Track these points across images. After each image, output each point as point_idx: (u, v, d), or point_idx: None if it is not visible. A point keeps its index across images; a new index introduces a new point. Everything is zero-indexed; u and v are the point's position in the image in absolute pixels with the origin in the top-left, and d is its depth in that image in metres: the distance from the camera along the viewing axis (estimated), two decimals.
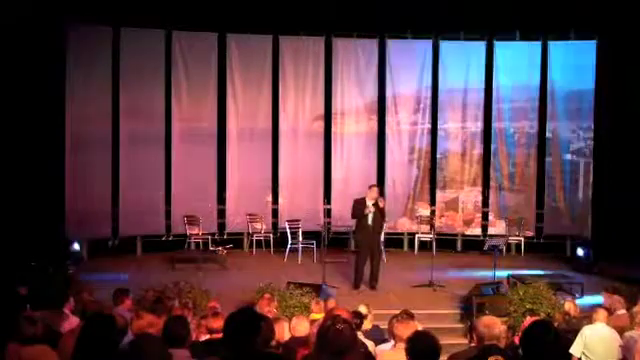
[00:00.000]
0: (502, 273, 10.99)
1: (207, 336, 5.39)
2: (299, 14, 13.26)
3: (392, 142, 14.47)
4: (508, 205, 14.35)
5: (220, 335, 4.92)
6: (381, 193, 13.87)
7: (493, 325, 4.22)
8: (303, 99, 14.28)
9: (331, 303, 7.92)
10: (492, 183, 14.41)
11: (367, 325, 7.36)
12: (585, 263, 12.50)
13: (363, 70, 14.36)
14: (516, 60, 14.19)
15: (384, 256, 12.75)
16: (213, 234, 13.69)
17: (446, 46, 14.26)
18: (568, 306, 8.02)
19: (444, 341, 4.36)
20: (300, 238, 13.31)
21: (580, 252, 12.80)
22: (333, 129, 14.40)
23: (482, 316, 5.23)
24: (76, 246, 12.17)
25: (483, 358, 4.06)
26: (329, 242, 12.02)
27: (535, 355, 3.89)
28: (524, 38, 13.90)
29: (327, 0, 12.88)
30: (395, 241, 14.17)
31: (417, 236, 14.10)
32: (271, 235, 13.88)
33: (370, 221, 10.71)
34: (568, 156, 14.22)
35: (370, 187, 11.06)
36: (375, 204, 10.72)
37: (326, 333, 3.75)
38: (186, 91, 13.74)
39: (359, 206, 10.77)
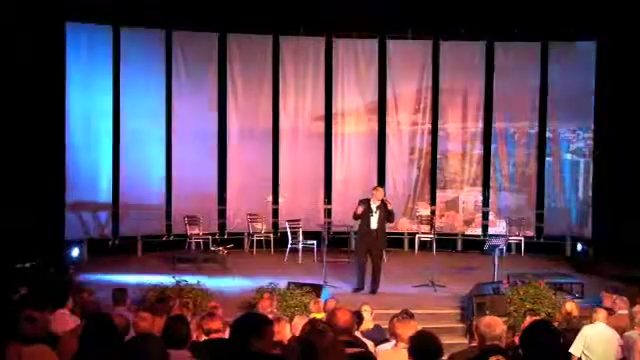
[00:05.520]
0: (502, 273, 10.98)
1: (205, 337, 5.38)
2: (299, 14, 13.26)
3: (392, 142, 14.48)
4: (508, 205, 14.36)
5: (217, 335, 4.94)
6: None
7: (494, 325, 4.22)
8: (303, 99, 14.29)
9: (331, 303, 7.91)
10: (492, 183, 14.42)
11: (368, 325, 7.35)
12: (584, 260, 12.51)
13: (363, 70, 14.36)
14: (516, 60, 14.19)
15: (384, 257, 12.74)
16: (214, 234, 13.70)
17: (446, 46, 14.26)
18: (569, 306, 8.00)
19: (444, 341, 4.37)
20: (300, 238, 13.30)
21: (579, 247, 12.80)
22: (333, 129, 14.41)
23: (483, 316, 5.22)
24: (75, 251, 12.13)
25: (484, 358, 4.06)
26: (329, 242, 12.01)
27: (535, 355, 3.89)
28: (524, 38, 13.89)
29: (327, 0, 12.87)
30: (395, 241, 14.16)
31: (417, 236, 14.11)
32: (271, 235, 13.89)
33: (373, 224, 10.51)
34: (568, 156, 14.22)
35: (375, 188, 10.84)
36: (380, 206, 10.50)
37: (307, 336, 3.84)
38: (187, 91, 13.73)
39: (361, 208, 10.51)
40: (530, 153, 14.30)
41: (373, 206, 10.53)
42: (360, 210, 10.46)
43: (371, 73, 14.36)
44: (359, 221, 10.74)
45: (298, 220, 13.52)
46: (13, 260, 9.98)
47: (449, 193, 14.54)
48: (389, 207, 10.53)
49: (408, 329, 5.03)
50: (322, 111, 14.38)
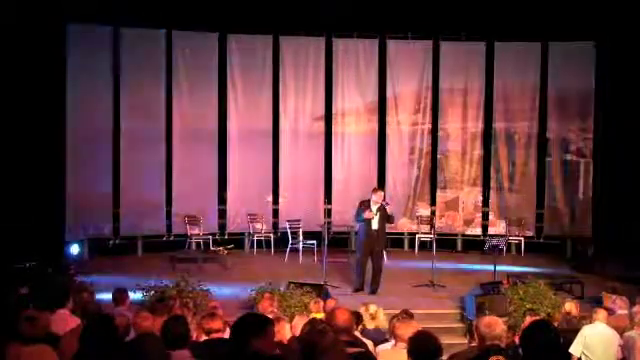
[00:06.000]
0: (502, 273, 10.99)
1: (206, 336, 5.38)
2: (299, 14, 13.26)
3: (392, 142, 14.48)
4: (508, 205, 14.36)
5: (217, 335, 4.94)
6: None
7: (494, 325, 4.22)
8: (304, 99, 14.29)
9: (331, 303, 7.91)
10: (492, 183, 14.42)
11: (370, 325, 7.32)
12: (583, 260, 12.53)
13: (363, 70, 14.37)
14: (516, 60, 14.19)
15: (385, 257, 12.75)
16: (214, 234, 13.70)
17: (446, 46, 14.27)
18: (568, 306, 8.02)
19: (444, 341, 4.38)
20: (301, 238, 13.30)
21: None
22: (334, 129, 14.41)
23: (483, 316, 5.22)
24: (75, 251, 12.13)
25: (484, 358, 4.06)
26: (330, 242, 12.01)
27: (535, 355, 3.89)
28: (524, 38, 13.89)
29: (327, 0, 12.88)
30: (395, 241, 14.18)
31: (417, 236, 14.11)
32: (272, 235, 13.89)
33: (374, 225, 10.52)
34: (568, 156, 14.23)
35: (374, 191, 10.82)
36: (380, 208, 10.53)
37: (308, 336, 3.86)
38: (187, 91, 13.73)
39: (362, 210, 10.54)
40: (530, 153, 14.30)
41: (373, 207, 10.54)
42: (368, 214, 10.45)
43: (371, 73, 14.36)
44: (359, 221, 10.76)
45: (298, 220, 13.52)
46: (13, 260, 9.97)
47: (449, 193, 14.54)
48: (388, 211, 10.52)
49: (408, 329, 5.03)
50: (322, 111, 14.38)
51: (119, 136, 13.22)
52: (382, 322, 7.36)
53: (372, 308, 7.54)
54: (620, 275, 11.07)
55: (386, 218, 10.62)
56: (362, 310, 7.35)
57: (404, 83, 14.43)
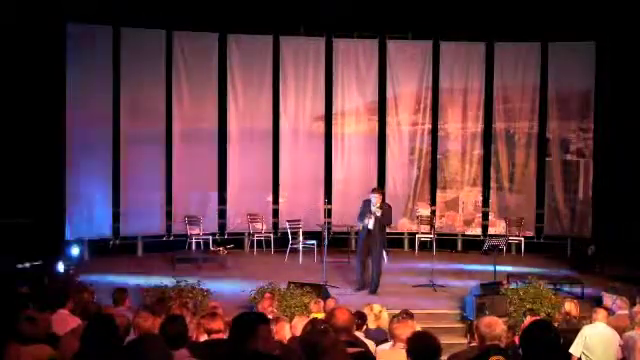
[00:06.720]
0: (502, 273, 10.99)
1: (206, 336, 5.38)
2: (299, 14, 13.27)
3: (392, 142, 14.49)
4: (508, 205, 14.36)
5: (218, 335, 4.94)
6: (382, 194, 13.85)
7: (494, 325, 4.22)
8: (304, 99, 14.29)
9: (331, 303, 7.90)
10: (492, 183, 14.42)
11: (374, 325, 7.31)
12: (584, 260, 12.52)
13: (363, 70, 14.37)
14: (516, 60, 14.20)
15: (385, 256, 12.76)
16: (214, 234, 13.70)
17: (446, 46, 14.27)
18: (568, 306, 8.01)
19: (444, 341, 4.38)
20: (301, 238, 13.30)
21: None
22: (334, 129, 14.41)
23: (483, 316, 5.22)
24: (75, 251, 12.12)
25: (484, 358, 4.06)
26: (330, 242, 12.01)
27: (535, 355, 3.89)
28: (524, 38, 13.89)
29: (327, 0, 12.88)
30: (395, 241, 14.18)
31: (417, 236, 14.11)
32: (272, 235, 13.89)
33: (370, 225, 10.55)
34: (568, 156, 14.23)
35: (372, 191, 10.81)
36: (379, 208, 10.55)
37: (309, 336, 3.86)
38: (187, 91, 13.73)
39: (364, 209, 10.57)
40: (530, 153, 14.31)
41: (373, 209, 10.55)
42: (367, 219, 10.46)
43: (371, 73, 14.36)
44: (360, 221, 10.77)
45: (298, 220, 13.52)
46: (14, 260, 9.97)
47: (449, 193, 14.54)
48: (377, 214, 10.46)
49: (405, 329, 5.03)
50: (322, 111, 14.38)
51: (119, 136, 13.22)
52: (386, 322, 7.33)
53: (376, 308, 7.52)
54: (620, 275, 11.07)
55: (383, 219, 10.62)
56: (366, 310, 7.33)
57: (404, 83, 14.43)
